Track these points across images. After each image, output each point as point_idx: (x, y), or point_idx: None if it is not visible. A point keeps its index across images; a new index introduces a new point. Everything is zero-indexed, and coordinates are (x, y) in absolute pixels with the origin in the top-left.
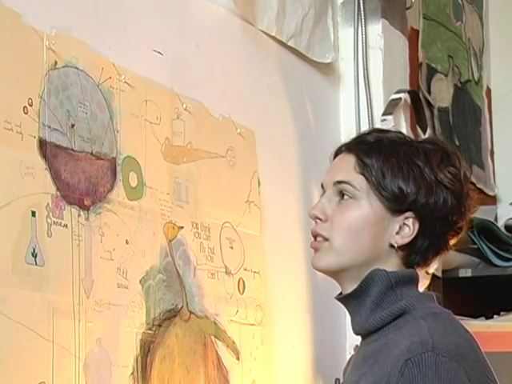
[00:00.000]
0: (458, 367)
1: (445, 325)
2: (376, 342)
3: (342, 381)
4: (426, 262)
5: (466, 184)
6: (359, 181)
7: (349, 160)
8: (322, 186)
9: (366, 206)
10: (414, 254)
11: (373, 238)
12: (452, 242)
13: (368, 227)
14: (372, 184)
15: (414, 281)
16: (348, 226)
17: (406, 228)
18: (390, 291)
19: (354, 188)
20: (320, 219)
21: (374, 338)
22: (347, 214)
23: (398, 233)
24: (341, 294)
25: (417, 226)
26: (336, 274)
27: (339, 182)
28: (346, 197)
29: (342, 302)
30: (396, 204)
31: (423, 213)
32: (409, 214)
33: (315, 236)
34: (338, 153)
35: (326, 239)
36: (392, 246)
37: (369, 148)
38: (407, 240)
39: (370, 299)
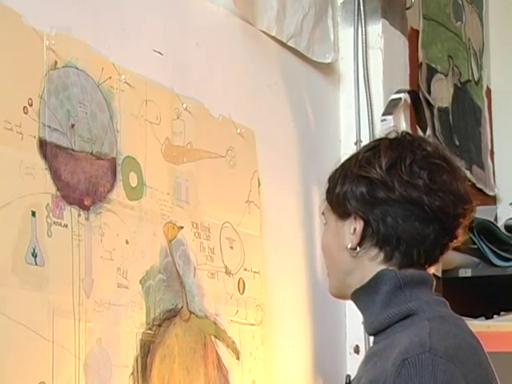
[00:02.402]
0: (455, 369)
1: (449, 328)
2: (384, 340)
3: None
4: (411, 259)
5: (391, 169)
6: (324, 206)
7: None
8: None
9: (327, 224)
10: (389, 252)
11: (336, 248)
12: (431, 229)
13: (330, 239)
14: (327, 200)
15: (427, 283)
16: (322, 246)
17: (356, 228)
18: (399, 291)
19: (323, 215)
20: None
21: (383, 336)
22: (322, 240)
23: (353, 235)
24: None
25: (362, 222)
26: (343, 296)
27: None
28: None
29: (353, 300)
30: (338, 208)
31: (355, 208)
32: (353, 214)
33: None
34: None
35: None
36: (352, 248)
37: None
38: (357, 239)
39: (379, 298)
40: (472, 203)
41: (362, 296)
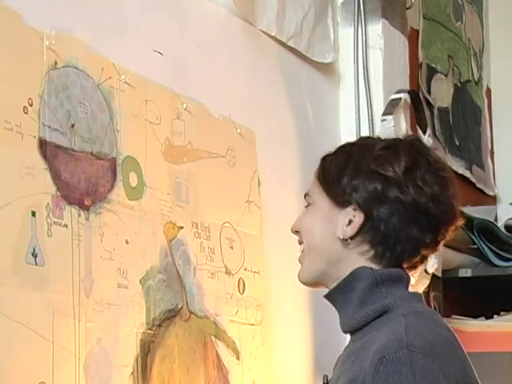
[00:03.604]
0: (433, 364)
1: (424, 323)
2: (361, 339)
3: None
4: (400, 262)
5: (408, 173)
6: (314, 186)
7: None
8: None
9: (317, 206)
10: (381, 251)
11: (324, 235)
12: (427, 237)
13: (318, 224)
14: (321, 183)
15: (403, 281)
16: (305, 227)
17: (354, 220)
18: (376, 289)
19: (309, 196)
20: (296, 231)
21: (359, 335)
22: (303, 217)
23: (347, 226)
24: None
25: (362, 216)
26: (316, 284)
27: (305, 196)
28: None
29: (329, 299)
30: (338, 196)
31: (360, 201)
32: (353, 205)
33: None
34: None
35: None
36: (345, 239)
37: (328, 154)
38: (353, 231)
39: (356, 296)
40: (459, 222)
41: (338, 294)
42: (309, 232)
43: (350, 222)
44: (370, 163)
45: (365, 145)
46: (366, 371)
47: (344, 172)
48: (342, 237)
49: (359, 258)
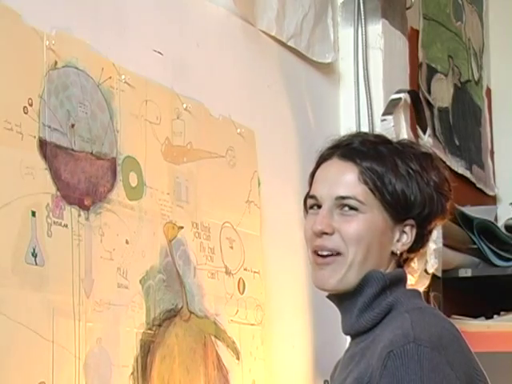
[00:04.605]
0: (440, 357)
1: (429, 318)
2: (364, 341)
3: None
4: (410, 261)
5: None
6: (364, 193)
7: (349, 170)
8: (314, 196)
9: (373, 218)
10: (406, 257)
11: (380, 248)
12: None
13: (377, 238)
14: (378, 194)
15: (404, 280)
16: (359, 238)
17: (404, 235)
18: (383, 292)
19: (360, 202)
20: (327, 233)
21: (363, 337)
22: (357, 226)
23: (398, 240)
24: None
25: (414, 232)
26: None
27: (343, 198)
28: (347, 209)
29: (333, 300)
30: (401, 213)
31: (423, 221)
32: (409, 221)
33: (323, 250)
34: (326, 158)
35: (339, 253)
36: (394, 253)
37: (368, 156)
38: (407, 247)
39: (362, 299)
40: None
41: (346, 297)
42: (364, 244)
43: (400, 236)
44: (435, 182)
45: (413, 154)
46: (374, 367)
47: (410, 189)
48: (398, 252)
49: (394, 266)
